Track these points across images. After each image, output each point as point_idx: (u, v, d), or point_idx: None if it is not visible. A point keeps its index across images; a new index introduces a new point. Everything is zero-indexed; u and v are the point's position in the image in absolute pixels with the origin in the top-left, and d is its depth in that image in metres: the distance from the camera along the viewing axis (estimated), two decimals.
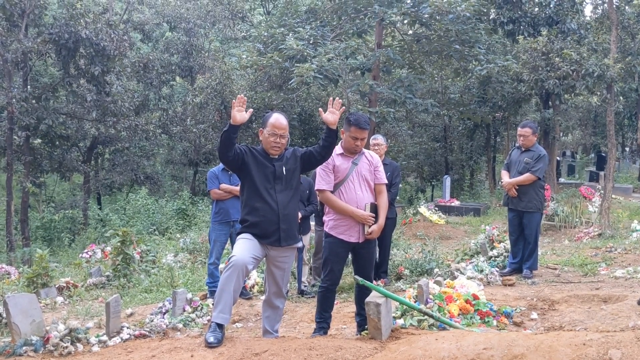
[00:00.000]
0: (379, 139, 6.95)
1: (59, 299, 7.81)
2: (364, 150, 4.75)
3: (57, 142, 18.54)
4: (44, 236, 17.76)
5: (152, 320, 5.55)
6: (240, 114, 3.98)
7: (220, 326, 3.92)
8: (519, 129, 7.08)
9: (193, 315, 5.80)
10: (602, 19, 17.17)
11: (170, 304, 5.95)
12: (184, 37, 23.51)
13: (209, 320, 5.38)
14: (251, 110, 4.14)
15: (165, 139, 23.10)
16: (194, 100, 19.94)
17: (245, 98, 4.10)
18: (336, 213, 4.57)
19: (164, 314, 5.88)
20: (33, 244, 15.82)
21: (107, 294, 7.79)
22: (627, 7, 15.00)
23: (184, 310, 5.85)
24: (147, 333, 4.75)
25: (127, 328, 4.78)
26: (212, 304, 4.37)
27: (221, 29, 26.47)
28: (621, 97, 20.87)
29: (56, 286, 8.24)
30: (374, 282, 6.11)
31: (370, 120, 14.50)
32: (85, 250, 11.99)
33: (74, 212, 19.44)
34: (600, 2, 19.23)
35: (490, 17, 17.62)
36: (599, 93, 17.60)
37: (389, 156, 7.19)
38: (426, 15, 14.65)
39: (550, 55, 15.12)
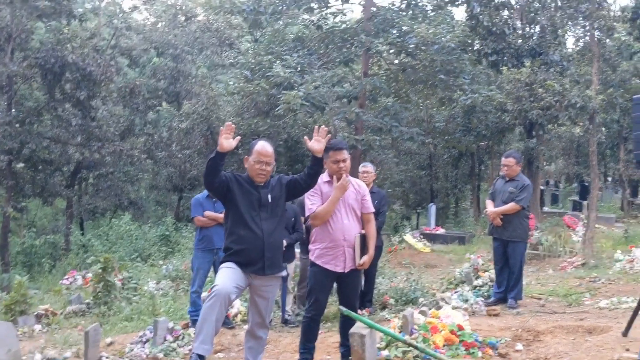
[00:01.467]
0: (368, 166, 6.96)
1: (37, 327, 7.66)
2: (351, 178, 4.75)
3: (40, 167, 18.36)
4: (24, 262, 17.46)
5: (132, 350, 5.46)
6: (227, 142, 3.96)
7: (201, 357, 3.85)
8: (502, 159, 7.13)
9: (174, 345, 5.69)
10: (584, 52, 17.52)
11: (151, 332, 5.84)
12: (172, 62, 23.57)
13: (190, 350, 5.29)
14: (238, 137, 4.12)
15: (150, 164, 22.98)
16: (180, 125, 19.91)
17: (234, 126, 4.09)
18: (322, 241, 4.53)
19: (145, 343, 5.77)
20: (13, 270, 15.54)
21: (87, 322, 7.64)
22: (608, 40, 15.32)
23: (165, 340, 5.75)
24: None
25: (106, 358, 4.68)
26: (194, 334, 4.29)
27: (209, 56, 26.60)
28: (603, 128, 21.14)
29: (35, 314, 8.08)
30: (359, 311, 6.06)
31: (356, 147, 14.56)
32: (66, 277, 11.83)
33: (55, 237, 19.19)
34: (582, 34, 19.62)
35: (475, 48, 17.86)
36: (581, 124, 17.85)
37: (374, 184, 7.19)
38: (412, 46, 14.84)
39: (533, 86, 15.33)
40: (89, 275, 10.87)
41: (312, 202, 4.55)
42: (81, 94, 16.25)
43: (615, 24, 14.55)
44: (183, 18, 27.04)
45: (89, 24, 24.19)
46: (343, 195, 4.59)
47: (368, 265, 4.64)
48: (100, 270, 8.81)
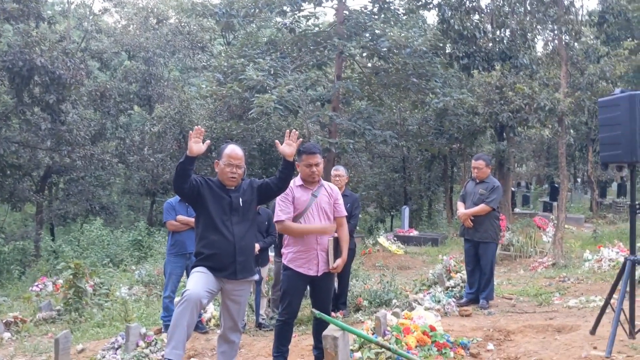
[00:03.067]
0: (340, 170, 6.98)
1: (6, 334, 7.52)
2: (323, 182, 4.76)
3: (9, 172, 17.99)
4: None
5: (103, 357, 5.39)
6: (197, 146, 3.94)
7: None
8: (473, 161, 7.22)
9: (147, 351, 5.63)
10: (552, 55, 17.78)
11: (123, 339, 5.78)
12: (143, 66, 23.36)
13: (162, 356, 5.24)
14: (208, 141, 4.10)
15: (122, 169, 22.72)
16: (152, 129, 19.76)
17: (203, 129, 4.06)
18: (296, 244, 4.54)
19: (117, 349, 5.70)
20: None
21: (58, 329, 7.52)
22: (576, 44, 15.59)
23: (138, 346, 5.68)
24: None
25: None
26: (166, 339, 4.26)
27: (181, 59, 26.44)
28: (572, 130, 21.55)
29: (3, 321, 7.93)
30: (333, 313, 6.07)
31: (330, 151, 14.60)
32: (36, 283, 11.59)
33: (25, 243, 18.81)
34: (550, 38, 19.94)
35: (446, 51, 18.08)
36: (550, 126, 18.13)
37: (348, 187, 7.22)
38: (384, 49, 14.95)
39: (503, 89, 15.55)
40: (60, 281, 10.67)
41: (281, 209, 4.53)
42: (50, 98, 15.97)
43: (582, 28, 14.81)
44: (154, 21, 26.83)
45: (58, 27, 23.86)
46: (316, 199, 4.61)
47: (341, 269, 4.65)
48: (71, 277, 8.67)
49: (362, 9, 16.58)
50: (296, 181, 4.63)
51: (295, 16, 16.86)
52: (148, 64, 23.30)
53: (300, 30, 16.77)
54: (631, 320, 4.67)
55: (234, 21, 16.49)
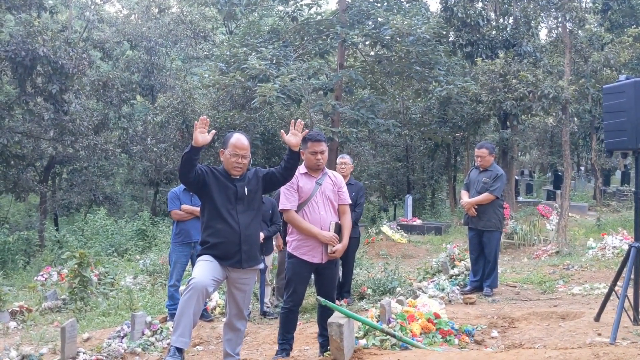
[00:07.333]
0: (345, 158, 7.01)
1: (12, 324, 7.56)
2: (328, 170, 4.77)
3: (13, 162, 18.01)
4: None
5: (109, 345, 5.42)
6: (202, 136, 3.93)
7: (179, 350, 3.84)
8: (476, 149, 7.22)
9: (152, 339, 5.67)
10: (556, 43, 17.71)
11: (128, 327, 5.81)
12: (145, 55, 23.30)
13: (168, 344, 5.28)
14: (214, 131, 4.08)
15: (125, 159, 22.74)
16: (155, 119, 19.72)
17: (208, 119, 4.05)
18: (300, 233, 4.55)
19: (122, 338, 5.74)
20: None
21: (63, 318, 7.56)
22: (579, 32, 15.52)
23: (143, 334, 5.72)
24: (104, 358, 4.63)
25: (83, 353, 4.65)
26: (172, 327, 4.29)
27: (183, 48, 26.35)
28: (575, 118, 21.52)
29: (9, 311, 7.97)
30: (337, 301, 6.10)
31: (333, 140, 14.58)
32: (41, 273, 11.64)
33: (29, 233, 18.89)
34: (554, 26, 19.84)
35: (450, 39, 18.00)
36: (554, 114, 18.08)
37: (352, 176, 7.24)
38: (387, 37, 14.87)
39: (507, 77, 15.50)
40: (64, 271, 10.72)
41: (287, 198, 4.56)
42: (53, 88, 15.95)
43: (586, 15, 14.76)
44: (156, 10, 26.74)
45: (60, 16, 23.82)
46: (320, 187, 4.62)
47: (340, 254, 4.65)
48: (75, 266, 8.70)
49: None
50: (300, 169, 4.63)
51: (298, 4, 16.77)
52: (150, 53, 23.25)
53: (303, 18, 16.68)
54: (635, 307, 4.68)
55: (236, 10, 16.42)
